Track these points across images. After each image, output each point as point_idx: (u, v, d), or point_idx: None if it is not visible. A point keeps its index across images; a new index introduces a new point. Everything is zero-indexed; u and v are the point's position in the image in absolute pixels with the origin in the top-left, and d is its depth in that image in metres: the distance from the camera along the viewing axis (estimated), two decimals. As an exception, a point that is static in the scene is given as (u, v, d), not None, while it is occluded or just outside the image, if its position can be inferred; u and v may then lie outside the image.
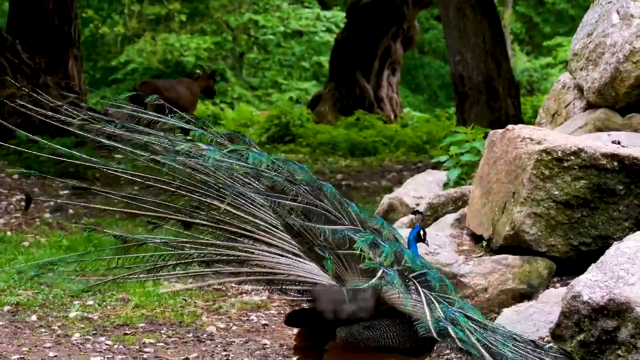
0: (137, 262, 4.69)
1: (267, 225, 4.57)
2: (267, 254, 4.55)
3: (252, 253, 4.57)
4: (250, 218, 4.58)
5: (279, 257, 4.54)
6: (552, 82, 15.15)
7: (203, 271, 4.65)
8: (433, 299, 4.36)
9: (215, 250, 4.60)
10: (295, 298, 4.64)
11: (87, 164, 4.70)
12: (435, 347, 4.57)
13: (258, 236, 4.57)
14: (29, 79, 16.54)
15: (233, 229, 4.61)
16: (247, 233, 4.59)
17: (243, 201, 4.60)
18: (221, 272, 4.62)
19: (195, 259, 4.64)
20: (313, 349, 4.53)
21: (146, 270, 4.68)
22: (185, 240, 4.65)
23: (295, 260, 4.52)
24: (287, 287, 4.60)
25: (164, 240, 4.66)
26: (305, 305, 4.63)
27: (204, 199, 4.62)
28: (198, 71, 20.12)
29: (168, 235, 4.72)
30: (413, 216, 7.61)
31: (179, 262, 4.66)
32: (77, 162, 4.72)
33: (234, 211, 4.59)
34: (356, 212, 4.62)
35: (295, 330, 4.78)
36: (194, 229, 4.67)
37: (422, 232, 4.84)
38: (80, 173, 10.48)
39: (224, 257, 4.60)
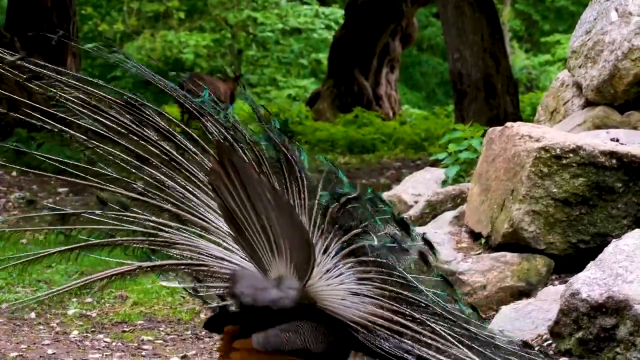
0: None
1: (202, 208, 4.29)
2: (192, 239, 4.28)
3: (182, 238, 4.29)
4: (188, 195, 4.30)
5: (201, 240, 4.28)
6: (551, 79, 15.15)
7: (126, 271, 4.39)
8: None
9: (145, 238, 4.35)
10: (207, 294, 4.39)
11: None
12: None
13: (191, 217, 4.29)
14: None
15: (169, 207, 4.34)
16: (182, 213, 4.31)
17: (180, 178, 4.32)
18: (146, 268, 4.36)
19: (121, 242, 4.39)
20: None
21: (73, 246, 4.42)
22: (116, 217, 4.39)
23: (215, 246, 4.25)
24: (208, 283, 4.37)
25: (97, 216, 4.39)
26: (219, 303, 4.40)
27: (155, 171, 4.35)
28: (219, 75, 20.51)
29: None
30: None
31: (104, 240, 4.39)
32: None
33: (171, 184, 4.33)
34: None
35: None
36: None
37: None
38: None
39: (153, 244, 4.34)
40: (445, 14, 16.79)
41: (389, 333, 4.12)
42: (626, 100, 7.29)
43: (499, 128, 6.57)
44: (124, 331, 6.51)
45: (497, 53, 16.41)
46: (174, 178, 4.35)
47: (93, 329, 6.54)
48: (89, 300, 7.23)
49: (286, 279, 4.03)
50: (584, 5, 8.18)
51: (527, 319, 5.53)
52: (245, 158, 4.13)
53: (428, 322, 4.13)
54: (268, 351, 4.00)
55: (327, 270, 4.09)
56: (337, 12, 32.65)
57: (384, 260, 4.17)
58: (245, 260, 4.15)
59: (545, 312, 5.49)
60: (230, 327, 4.16)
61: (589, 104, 7.59)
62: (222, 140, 4.15)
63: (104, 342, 6.27)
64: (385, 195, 8.88)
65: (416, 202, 8.22)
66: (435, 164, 9.90)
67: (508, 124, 6.46)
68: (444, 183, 8.62)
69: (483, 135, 7.48)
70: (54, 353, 6.00)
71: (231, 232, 4.09)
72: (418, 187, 8.84)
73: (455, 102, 17.10)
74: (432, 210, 7.78)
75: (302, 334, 4.04)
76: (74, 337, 6.36)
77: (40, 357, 5.93)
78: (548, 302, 5.59)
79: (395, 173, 15.94)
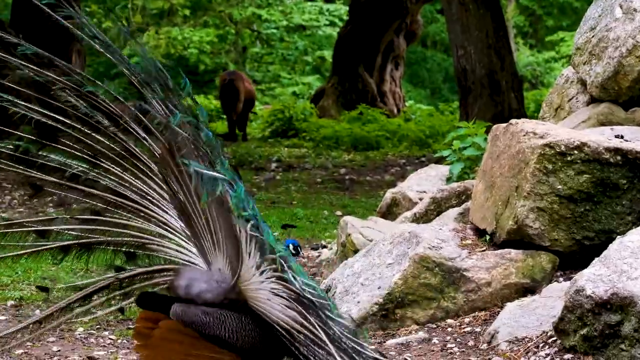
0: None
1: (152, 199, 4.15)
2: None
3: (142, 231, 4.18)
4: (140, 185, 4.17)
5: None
6: (556, 76, 15.15)
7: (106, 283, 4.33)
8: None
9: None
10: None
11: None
12: None
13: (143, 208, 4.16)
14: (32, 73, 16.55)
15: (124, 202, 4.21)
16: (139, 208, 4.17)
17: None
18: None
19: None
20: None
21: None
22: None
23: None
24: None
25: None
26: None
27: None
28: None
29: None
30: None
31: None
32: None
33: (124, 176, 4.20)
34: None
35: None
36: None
37: (297, 247, 4.35)
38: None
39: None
40: (449, 11, 16.79)
41: (308, 344, 3.92)
42: (630, 97, 7.29)
43: (503, 125, 6.56)
44: (129, 328, 6.52)
45: (502, 50, 16.41)
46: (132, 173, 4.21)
47: (98, 326, 6.54)
48: (94, 297, 7.24)
49: (218, 274, 3.96)
50: (588, 1, 8.18)
51: (531, 316, 5.53)
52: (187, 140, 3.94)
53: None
54: (184, 325, 3.91)
55: (257, 267, 3.92)
56: (342, 9, 32.68)
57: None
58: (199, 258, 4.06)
59: (549, 308, 5.49)
60: (148, 312, 4.06)
61: (593, 100, 7.59)
62: (168, 123, 3.99)
63: (109, 339, 6.28)
64: (390, 192, 8.88)
65: (421, 199, 8.23)
66: (440, 161, 9.90)
67: (512, 120, 6.46)
68: (449, 180, 8.62)
69: (487, 132, 7.48)
70: (59, 350, 6.00)
71: (184, 227, 4.02)
72: (423, 184, 8.84)
73: (459, 98, 17.12)
74: (437, 207, 7.79)
75: (224, 323, 3.92)
76: (79, 334, 6.36)
77: (46, 354, 5.93)
78: (553, 298, 5.59)
79: (399, 170, 15.94)
